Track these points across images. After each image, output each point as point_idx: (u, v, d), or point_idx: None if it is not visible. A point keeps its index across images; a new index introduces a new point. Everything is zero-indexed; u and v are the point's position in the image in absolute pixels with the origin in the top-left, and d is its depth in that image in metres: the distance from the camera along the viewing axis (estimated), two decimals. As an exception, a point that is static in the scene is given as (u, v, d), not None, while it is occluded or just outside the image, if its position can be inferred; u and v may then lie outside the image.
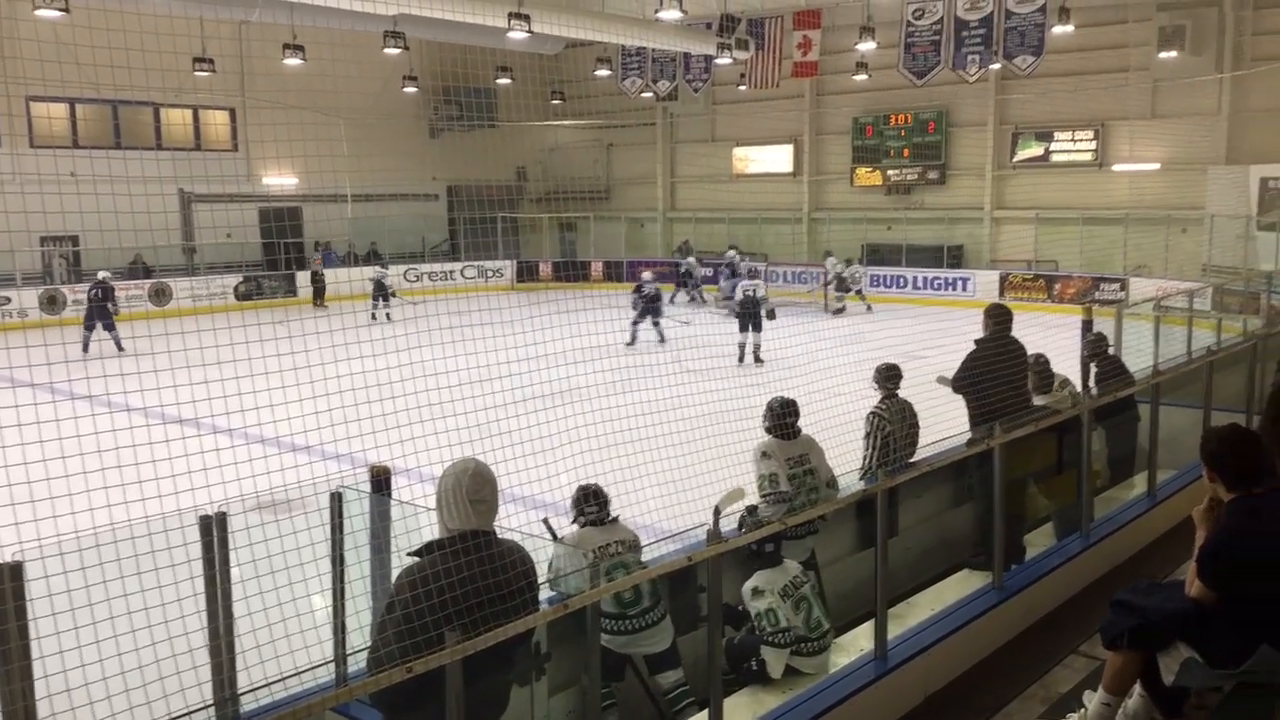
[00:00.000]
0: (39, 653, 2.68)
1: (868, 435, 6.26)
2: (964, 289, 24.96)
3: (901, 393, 6.43)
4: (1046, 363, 7.00)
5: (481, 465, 3.28)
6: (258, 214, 26.70)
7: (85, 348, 17.49)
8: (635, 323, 18.15)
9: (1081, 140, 24.70)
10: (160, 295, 23.34)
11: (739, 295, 17.20)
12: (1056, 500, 6.73)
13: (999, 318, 6.64)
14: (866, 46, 20.34)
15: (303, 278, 25.46)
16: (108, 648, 2.92)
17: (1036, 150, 25.41)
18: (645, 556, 4.58)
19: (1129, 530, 6.64)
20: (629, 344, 17.40)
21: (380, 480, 4.04)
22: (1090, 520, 6.40)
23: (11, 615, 2.61)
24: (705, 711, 3.98)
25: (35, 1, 13.64)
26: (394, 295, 22.65)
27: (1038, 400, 6.61)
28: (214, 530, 3.26)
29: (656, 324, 18.21)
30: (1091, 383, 7.13)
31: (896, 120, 27.15)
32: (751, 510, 4.77)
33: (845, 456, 6.04)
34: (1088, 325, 8.71)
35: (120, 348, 17.50)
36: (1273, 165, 20.95)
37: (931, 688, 4.83)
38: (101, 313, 18.29)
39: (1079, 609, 5.74)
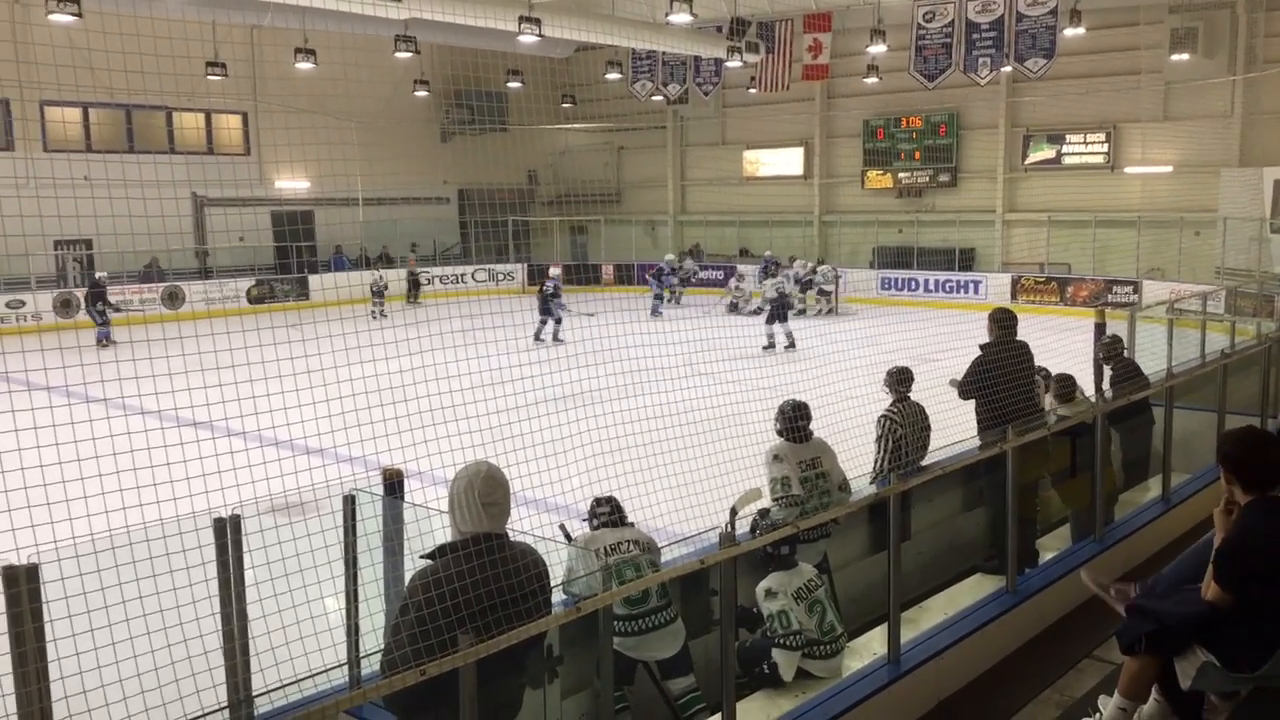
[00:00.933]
0: (55, 655, 2.68)
1: (879, 439, 6.26)
2: (975, 292, 24.88)
3: (913, 396, 6.43)
4: (1071, 380, 7.07)
5: (494, 468, 3.27)
6: (270, 217, 26.89)
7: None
8: (542, 321, 19.14)
9: (1093, 143, 24.61)
10: (173, 299, 23.47)
11: (771, 293, 18.74)
12: (1071, 503, 6.70)
13: (1003, 322, 6.63)
14: (877, 49, 20.29)
15: (331, 278, 25.12)
16: (123, 649, 2.94)
17: (1048, 153, 25.32)
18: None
19: (1143, 534, 6.61)
20: (536, 339, 18.73)
21: (393, 483, 4.06)
22: (1105, 524, 6.37)
23: (28, 617, 2.62)
24: (718, 715, 3.96)
25: (49, 6, 13.74)
26: (387, 289, 23.46)
27: (1061, 410, 6.61)
28: (228, 532, 3.27)
29: (558, 321, 19.19)
30: (1106, 385, 7.11)
31: (907, 123, 27.13)
32: (764, 513, 4.77)
33: (857, 460, 6.02)
34: (1101, 328, 8.69)
35: (101, 341, 18.03)
36: (1287, 167, 20.86)
37: (945, 692, 4.81)
38: (90, 312, 19.19)
39: (1093, 613, 5.67)
